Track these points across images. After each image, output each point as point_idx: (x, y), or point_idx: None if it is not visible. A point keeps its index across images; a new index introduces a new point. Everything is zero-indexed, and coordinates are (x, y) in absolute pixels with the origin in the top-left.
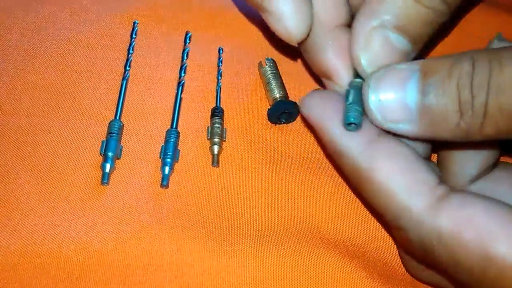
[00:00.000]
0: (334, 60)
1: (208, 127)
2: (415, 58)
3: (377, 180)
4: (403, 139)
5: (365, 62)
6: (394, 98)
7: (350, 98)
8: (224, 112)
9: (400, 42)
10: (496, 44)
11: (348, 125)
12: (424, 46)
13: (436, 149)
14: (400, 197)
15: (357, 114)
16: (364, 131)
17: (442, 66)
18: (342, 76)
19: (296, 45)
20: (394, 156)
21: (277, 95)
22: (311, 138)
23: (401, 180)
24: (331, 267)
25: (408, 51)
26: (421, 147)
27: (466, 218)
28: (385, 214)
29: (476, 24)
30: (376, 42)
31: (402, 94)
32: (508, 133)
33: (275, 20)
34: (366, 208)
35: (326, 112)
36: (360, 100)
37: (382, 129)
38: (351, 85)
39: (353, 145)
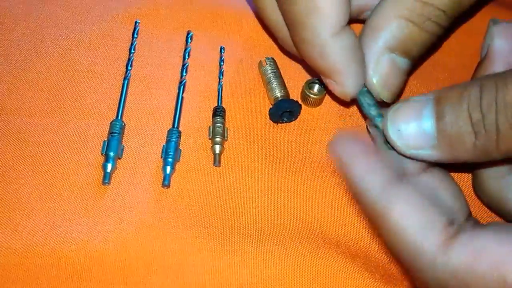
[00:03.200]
0: (340, 63)
1: (209, 127)
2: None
3: (392, 219)
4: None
5: (377, 83)
6: (412, 127)
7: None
8: (226, 112)
9: (404, 63)
10: (492, 29)
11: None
12: (420, 60)
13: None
14: (413, 236)
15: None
16: (384, 174)
17: (453, 93)
18: (348, 77)
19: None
20: (409, 197)
21: (278, 94)
22: (313, 137)
23: (414, 219)
24: (333, 267)
25: (409, 68)
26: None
27: (478, 250)
28: (400, 254)
29: (479, 23)
30: (385, 65)
31: (419, 122)
32: None
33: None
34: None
35: (351, 152)
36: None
37: (406, 156)
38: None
39: (373, 186)
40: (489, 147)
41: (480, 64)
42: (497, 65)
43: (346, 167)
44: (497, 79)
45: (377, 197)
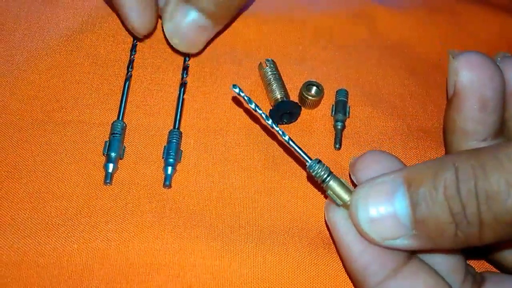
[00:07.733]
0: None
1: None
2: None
3: None
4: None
5: (168, 31)
6: (385, 215)
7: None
8: (227, 113)
9: (200, 19)
10: (454, 62)
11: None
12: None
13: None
14: None
15: None
16: (383, 262)
17: (425, 177)
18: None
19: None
20: None
21: (279, 96)
22: (312, 138)
23: None
24: (332, 267)
25: (208, 26)
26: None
27: None
28: None
29: (477, 24)
30: (179, 15)
31: (392, 209)
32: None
33: (124, 18)
34: None
35: (348, 230)
36: None
37: (381, 246)
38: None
39: (371, 275)
40: (472, 237)
41: (450, 103)
42: (470, 102)
43: (344, 243)
44: (474, 165)
45: None
